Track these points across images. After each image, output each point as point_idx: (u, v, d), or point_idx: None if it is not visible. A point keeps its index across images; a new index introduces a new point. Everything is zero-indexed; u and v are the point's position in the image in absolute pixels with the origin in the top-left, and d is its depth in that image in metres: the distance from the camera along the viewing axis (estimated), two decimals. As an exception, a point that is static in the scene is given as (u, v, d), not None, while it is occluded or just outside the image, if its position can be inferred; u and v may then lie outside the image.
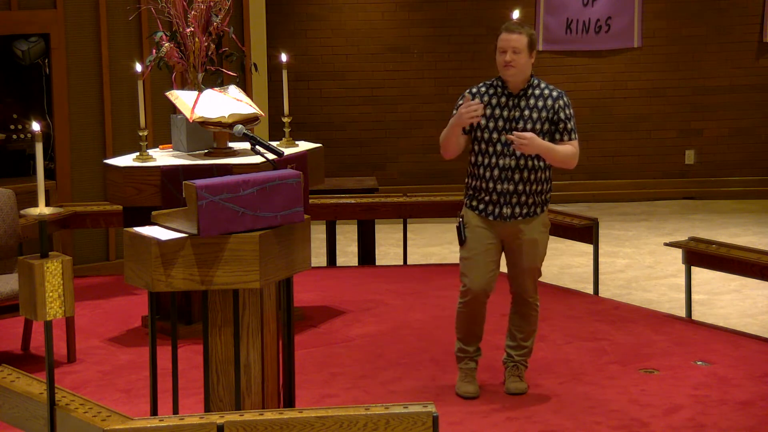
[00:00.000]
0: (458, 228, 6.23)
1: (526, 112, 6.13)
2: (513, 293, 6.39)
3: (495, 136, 6.13)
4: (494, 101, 6.15)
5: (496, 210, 6.17)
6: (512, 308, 6.44)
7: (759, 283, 8.29)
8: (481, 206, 6.20)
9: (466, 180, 6.29)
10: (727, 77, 12.66)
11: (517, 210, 6.17)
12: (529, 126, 6.11)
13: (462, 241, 6.23)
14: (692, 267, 7.91)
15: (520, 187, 6.15)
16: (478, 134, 6.16)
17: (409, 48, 12.53)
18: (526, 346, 6.42)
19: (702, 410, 6.13)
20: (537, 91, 6.17)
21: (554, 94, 6.18)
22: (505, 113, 6.14)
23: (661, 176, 12.77)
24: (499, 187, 6.14)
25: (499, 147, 6.12)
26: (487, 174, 6.15)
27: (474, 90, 6.21)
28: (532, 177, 6.16)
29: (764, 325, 8.11)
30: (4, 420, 5.42)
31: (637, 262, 10.08)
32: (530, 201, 6.19)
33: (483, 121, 6.13)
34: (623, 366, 6.85)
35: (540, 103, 6.14)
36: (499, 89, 6.17)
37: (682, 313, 8.02)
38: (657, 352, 7.07)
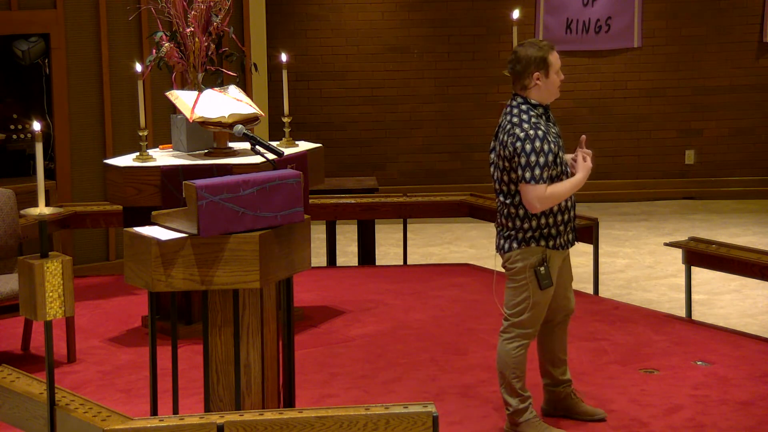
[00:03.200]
0: (539, 273, 5.64)
1: (560, 132, 5.80)
2: (560, 316, 5.93)
3: (565, 163, 5.73)
4: (551, 129, 5.69)
5: (570, 236, 5.79)
6: (550, 331, 5.94)
7: (759, 283, 8.29)
8: (560, 240, 5.72)
9: (536, 221, 5.64)
10: (727, 77, 12.65)
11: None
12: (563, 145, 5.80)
13: (545, 286, 5.67)
14: (692, 267, 7.91)
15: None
16: (557, 167, 5.65)
17: (409, 48, 12.53)
18: (567, 361, 6.04)
19: (702, 410, 6.13)
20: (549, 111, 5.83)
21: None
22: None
23: (661, 176, 12.77)
24: (574, 212, 5.80)
25: (568, 173, 5.73)
26: (569, 203, 5.73)
27: (542, 128, 5.58)
28: None
29: (764, 325, 8.11)
30: (4, 420, 5.42)
31: (637, 262, 10.08)
32: None
33: (558, 151, 5.66)
34: (623, 366, 6.84)
35: (556, 121, 5.85)
36: (543, 115, 5.69)
37: (682, 313, 8.02)
38: (657, 352, 7.07)
